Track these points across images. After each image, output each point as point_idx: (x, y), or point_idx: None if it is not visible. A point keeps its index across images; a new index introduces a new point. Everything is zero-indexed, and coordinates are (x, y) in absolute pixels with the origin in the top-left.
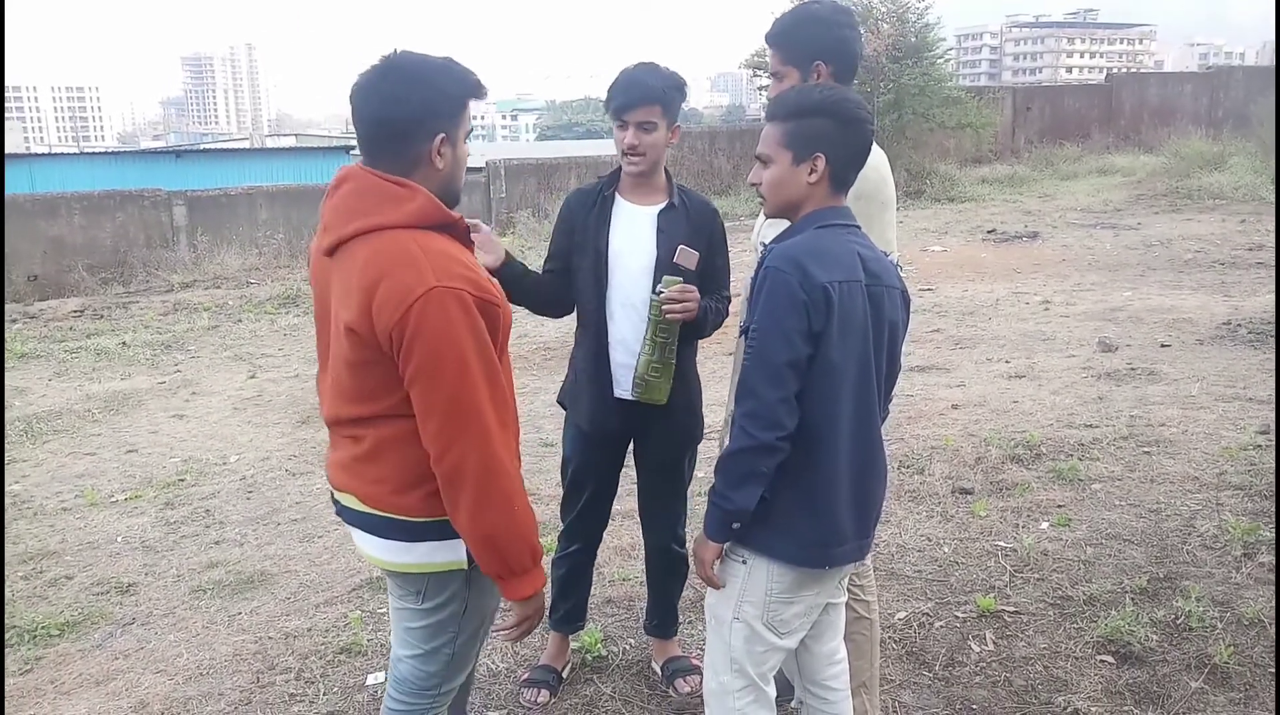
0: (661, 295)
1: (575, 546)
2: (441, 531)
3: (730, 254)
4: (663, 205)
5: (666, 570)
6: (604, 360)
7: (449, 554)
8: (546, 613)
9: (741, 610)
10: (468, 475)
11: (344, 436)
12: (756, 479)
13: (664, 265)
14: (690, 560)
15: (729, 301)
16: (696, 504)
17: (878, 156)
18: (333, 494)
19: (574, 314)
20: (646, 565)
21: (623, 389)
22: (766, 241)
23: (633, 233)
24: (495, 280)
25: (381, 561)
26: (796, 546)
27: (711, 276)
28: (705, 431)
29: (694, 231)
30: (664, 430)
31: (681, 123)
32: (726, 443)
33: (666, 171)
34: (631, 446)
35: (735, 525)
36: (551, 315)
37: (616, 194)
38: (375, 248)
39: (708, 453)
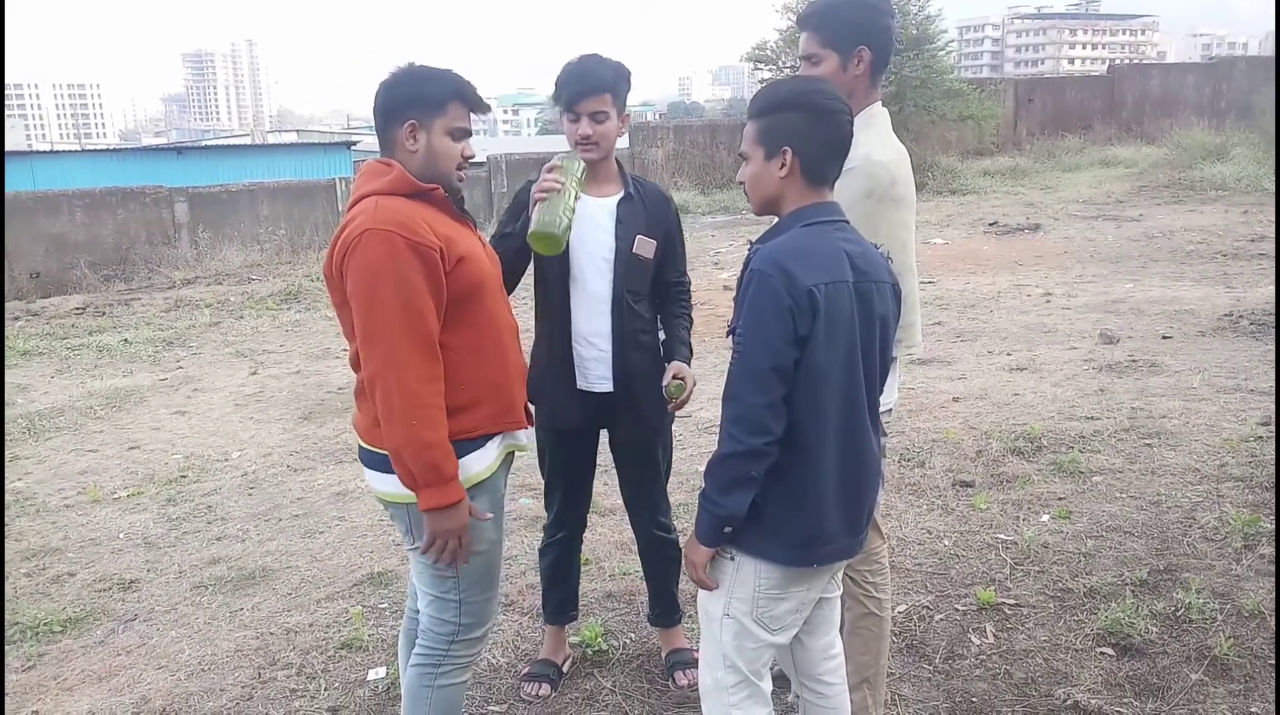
0: (671, 404)
1: (561, 534)
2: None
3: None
4: (620, 196)
5: (657, 557)
6: (566, 353)
7: (399, 487)
8: (541, 604)
9: (731, 607)
10: (376, 393)
11: (356, 374)
12: (745, 483)
13: (624, 256)
14: (682, 561)
15: (688, 287)
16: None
17: (892, 153)
18: None
19: (534, 305)
20: (640, 555)
21: (586, 381)
22: (754, 239)
23: (592, 225)
24: (455, 242)
25: (372, 489)
26: (783, 546)
27: (671, 262)
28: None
29: (651, 221)
30: (632, 418)
31: (682, 117)
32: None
33: (618, 162)
34: (607, 438)
35: (727, 530)
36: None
37: None
38: (353, 211)
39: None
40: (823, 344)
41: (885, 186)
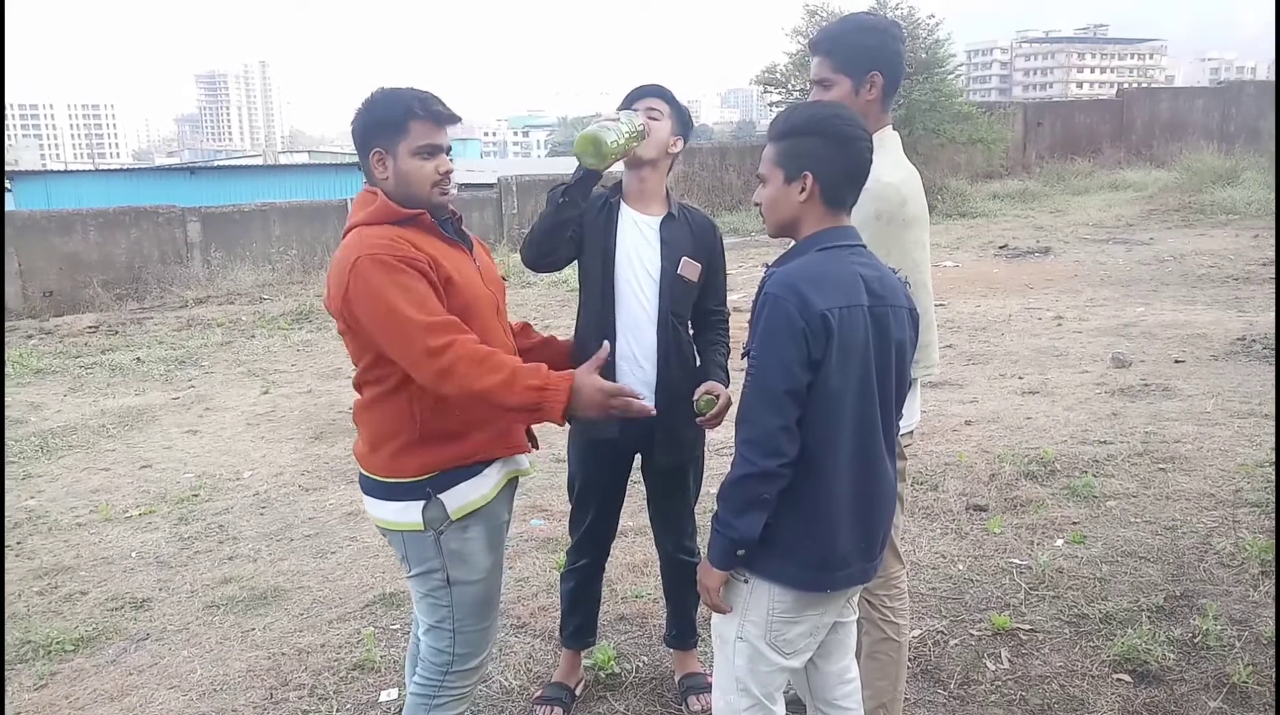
0: (701, 417)
1: (584, 561)
2: (402, 493)
3: (730, 269)
4: (664, 216)
5: (678, 580)
6: (609, 371)
7: (408, 515)
8: (559, 627)
9: (744, 630)
10: (443, 386)
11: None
12: (759, 506)
13: (669, 276)
14: (698, 587)
15: (727, 317)
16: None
17: (903, 173)
18: None
19: (578, 315)
20: (661, 575)
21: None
22: (769, 263)
23: (637, 239)
24: (444, 263)
25: (371, 516)
26: (797, 570)
27: (712, 290)
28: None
29: (696, 243)
30: (667, 438)
31: (692, 140)
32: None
33: (667, 189)
34: (639, 461)
35: (740, 552)
36: (546, 260)
37: (621, 201)
38: (341, 245)
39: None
40: (836, 368)
41: (895, 207)
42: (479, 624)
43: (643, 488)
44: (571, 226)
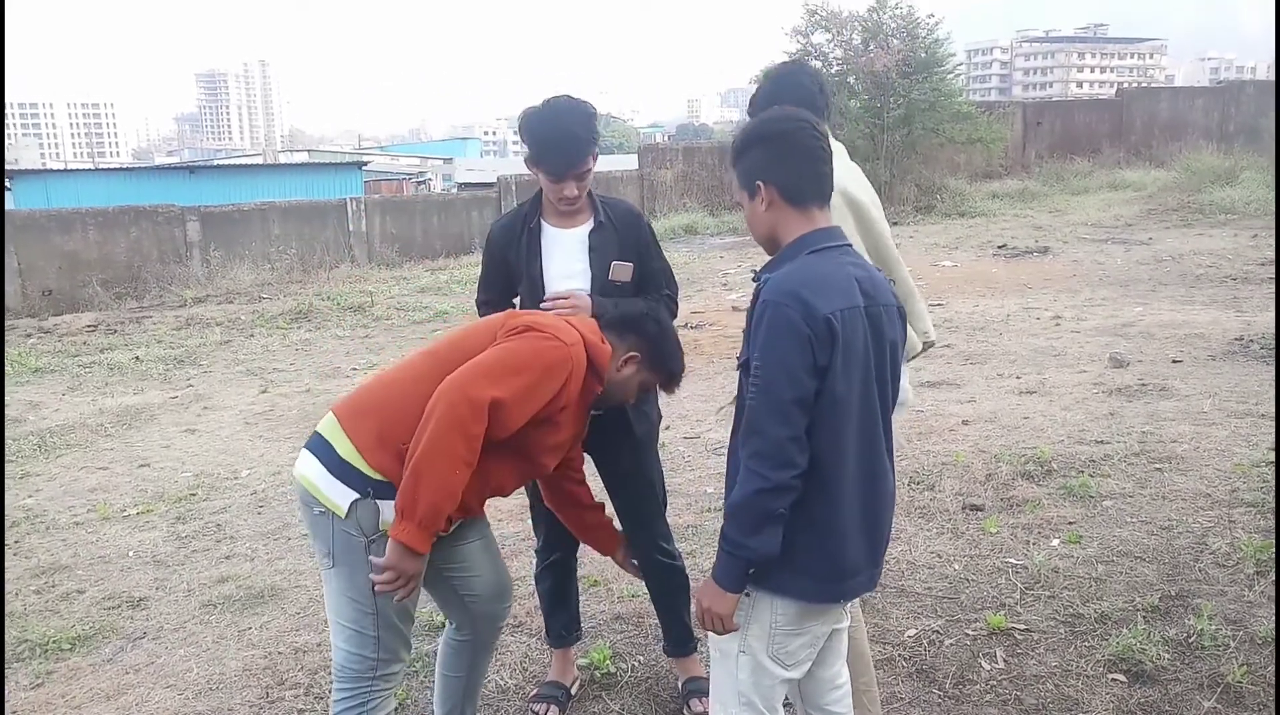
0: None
1: (554, 557)
2: (351, 478)
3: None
4: (590, 225)
5: (664, 585)
6: None
7: (339, 498)
8: (545, 632)
9: (747, 644)
10: (438, 415)
11: None
12: (773, 521)
13: (599, 283)
14: (695, 607)
15: (674, 299)
16: (690, 516)
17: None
18: None
19: None
20: (646, 583)
21: None
22: (756, 268)
23: (565, 257)
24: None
25: (300, 474)
26: (809, 582)
27: (650, 279)
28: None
29: (623, 243)
30: (616, 440)
31: (691, 138)
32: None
33: (590, 193)
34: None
35: (750, 571)
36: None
37: (541, 221)
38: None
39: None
40: (841, 373)
41: (836, 202)
42: (401, 629)
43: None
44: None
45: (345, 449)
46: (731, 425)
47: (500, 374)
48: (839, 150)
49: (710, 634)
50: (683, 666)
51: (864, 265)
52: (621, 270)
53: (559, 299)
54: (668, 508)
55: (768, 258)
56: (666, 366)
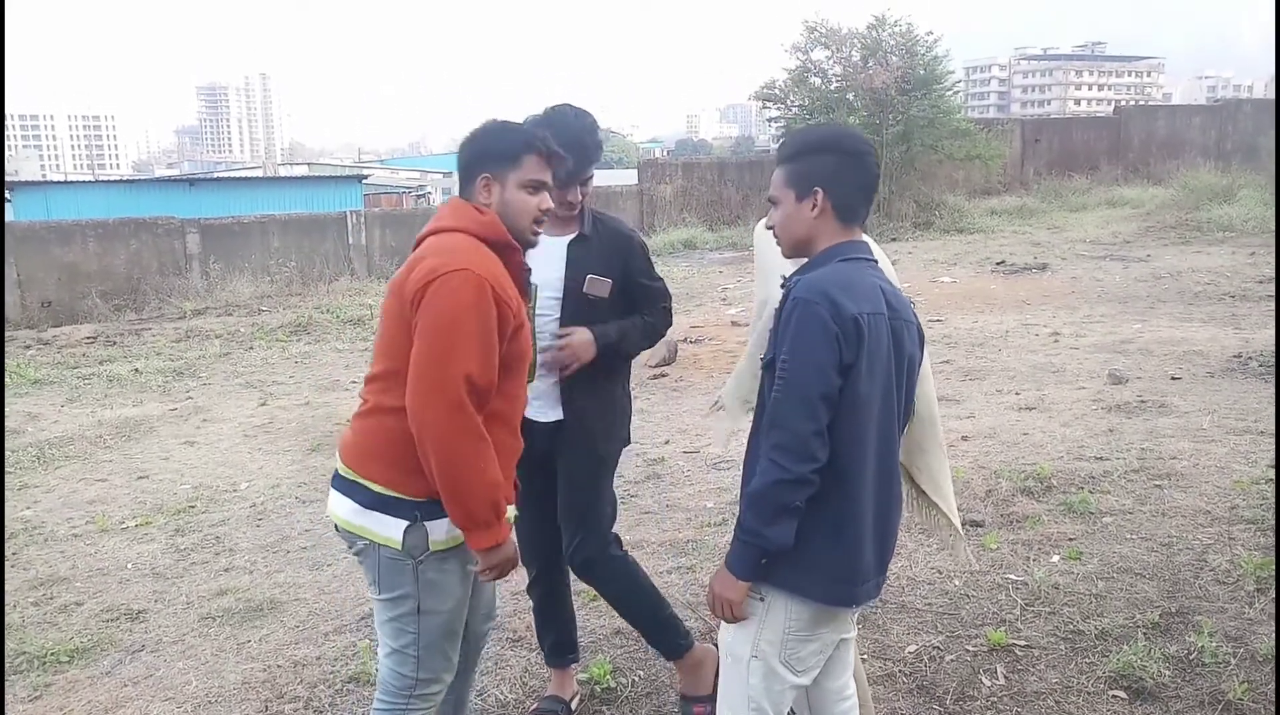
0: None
1: (535, 571)
2: (392, 508)
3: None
4: (573, 236)
5: (610, 589)
6: None
7: (389, 531)
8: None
9: (759, 648)
10: (429, 428)
11: (361, 397)
12: (790, 514)
13: (572, 294)
14: (710, 598)
15: (669, 311)
16: (690, 531)
17: None
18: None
19: None
20: (606, 599)
21: (534, 411)
22: (787, 274)
23: (543, 264)
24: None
25: (335, 514)
26: (823, 584)
27: (642, 296)
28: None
29: (607, 258)
30: (580, 450)
31: (690, 154)
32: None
33: (583, 207)
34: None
35: (763, 560)
36: None
37: None
38: (443, 240)
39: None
40: (865, 373)
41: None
42: (444, 650)
43: (639, 501)
44: None
45: (378, 487)
46: (751, 424)
47: (445, 353)
48: None
49: (724, 639)
50: (687, 667)
51: (888, 281)
52: (598, 285)
53: (558, 352)
54: (669, 523)
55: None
56: (514, 151)
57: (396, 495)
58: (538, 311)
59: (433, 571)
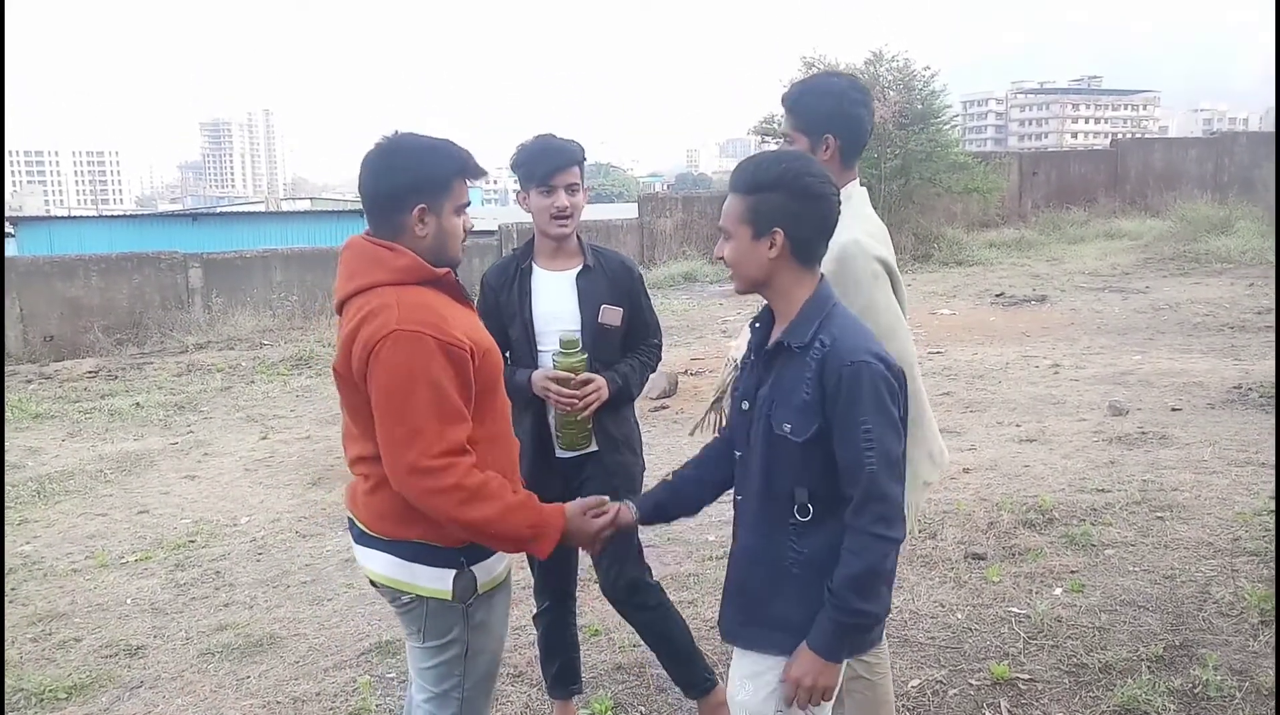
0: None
1: (546, 604)
2: (436, 559)
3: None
4: (579, 268)
5: (646, 616)
6: (543, 423)
7: (437, 582)
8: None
9: (790, 710)
10: (429, 506)
11: (357, 474)
12: (890, 580)
13: (590, 326)
14: (798, 694)
15: (659, 347)
16: (691, 565)
17: (867, 224)
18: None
19: None
20: (634, 626)
21: (561, 447)
22: (738, 357)
23: (554, 298)
24: (475, 334)
25: (371, 571)
26: (880, 628)
27: (639, 329)
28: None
29: (614, 289)
30: (605, 471)
31: (690, 188)
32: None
33: (578, 236)
34: None
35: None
36: None
37: (533, 263)
38: (363, 302)
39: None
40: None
41: (877, 271)
42: (486, 690)
43: (639, 534)
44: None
45: (416, 539)
46: (737, 484)
47: (404, 430)
48: (862, 196)
49: (738, 697)
50: (710, 707)
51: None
52: (611, 314)
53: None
54: (670, 556)
55: (762, 306)
56: (447, 178)
57: (435, 545)
58: (539, 347)
59: (481, 613)
